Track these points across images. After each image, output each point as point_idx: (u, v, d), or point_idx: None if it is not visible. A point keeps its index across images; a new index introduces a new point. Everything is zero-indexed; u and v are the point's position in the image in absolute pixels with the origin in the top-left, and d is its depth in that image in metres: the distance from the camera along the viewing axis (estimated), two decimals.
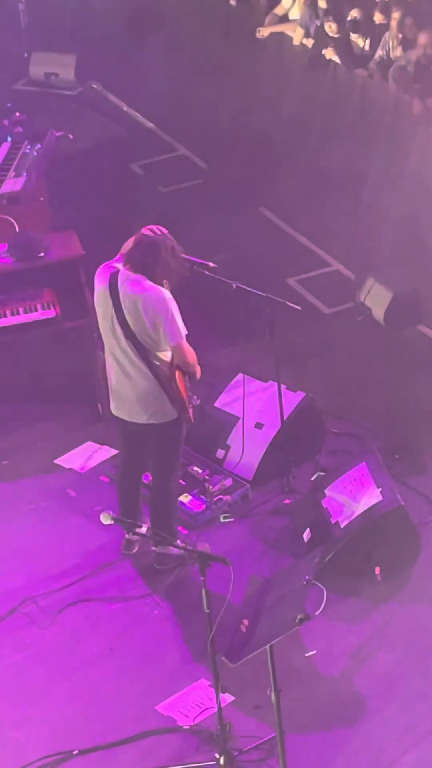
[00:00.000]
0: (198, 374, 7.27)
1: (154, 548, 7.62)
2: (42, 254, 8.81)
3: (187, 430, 7.43)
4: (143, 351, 7.09)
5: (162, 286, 7.06)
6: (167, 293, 7.05)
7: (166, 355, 7.15)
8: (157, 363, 7.13)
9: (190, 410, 7.26)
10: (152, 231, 7.08)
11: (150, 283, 7.03)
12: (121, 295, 7.05)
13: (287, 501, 8.11)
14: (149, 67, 14.33)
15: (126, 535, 7.71)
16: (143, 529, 7.52)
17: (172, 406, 7.20)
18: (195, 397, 7.32)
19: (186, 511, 7.92)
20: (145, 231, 7.09)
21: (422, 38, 11.11)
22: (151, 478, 7.61)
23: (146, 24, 14.67)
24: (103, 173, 12.44)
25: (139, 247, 7.05)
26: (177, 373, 7.17)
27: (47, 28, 14.83)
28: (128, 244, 7.20)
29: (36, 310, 8.79)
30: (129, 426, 7.40)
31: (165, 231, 7.11)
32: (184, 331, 7.06)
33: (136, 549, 7.73)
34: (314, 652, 6.99)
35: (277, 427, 8.22)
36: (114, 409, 7.42)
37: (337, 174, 11.69)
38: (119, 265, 7.14)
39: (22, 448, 8.81)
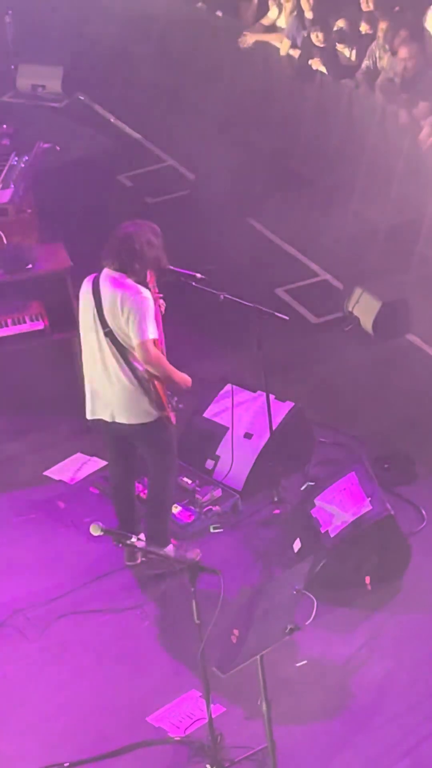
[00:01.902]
0: (182, 383, 7.25)
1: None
2: (30, 266, 8.82)
3: (176, 436, 7.42)
4: (122, 348, 7.13)
5: (145, 279, 7.14)
6: (145, 292, 7.11)
7: None
8: (135, 362, 7.15)
9: (171, 412, 7.25)
10: (128, 225, 7.14)
11: (130, 281, 7.12)
12: (102, 292, 7.14)
13: (277, 511, 8.10)
14: (136, 79, 14.36)
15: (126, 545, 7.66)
16: (134, 539, 7.48)
17: (150, 406, 7.20)
18: (176, 399, 7.32)
19: (176, 521, 7.91)
20: (121, 227, 7.16)
21: (409, 49, 11.13)
22: (147, 483, 7.59)
23: (133, 36, 14.69)
24: (91, 185, 12.46)
25: (113, 244, 7.13)
26: None
27: (34, 40, 14.85)
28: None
29: (24, 322, 8.79)
30: (112, 427, 7.38)
31: (145, 223, 7.16)
32: (153, 334, 7.07)
33: (139, 559, 7.68)
34: (305, 662, 6.98)
35: (267, 437, 8.21)
36: (94, 412, 7.39)
37: (324, 184, 11.71)
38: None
39: (10, 460, 8.81)
